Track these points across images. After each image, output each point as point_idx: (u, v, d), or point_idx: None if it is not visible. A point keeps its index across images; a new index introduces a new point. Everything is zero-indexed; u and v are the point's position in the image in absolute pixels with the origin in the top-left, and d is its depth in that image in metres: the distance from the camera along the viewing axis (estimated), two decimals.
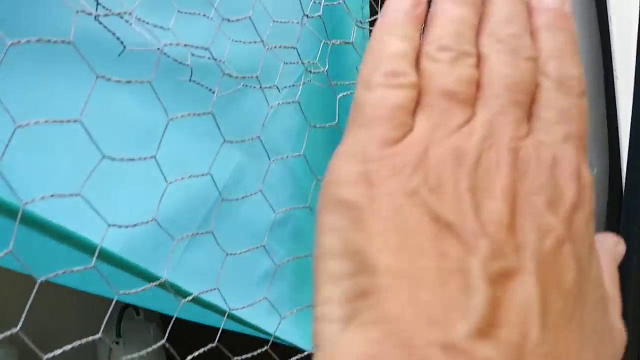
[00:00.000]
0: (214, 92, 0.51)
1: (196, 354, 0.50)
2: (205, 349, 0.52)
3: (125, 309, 1.44)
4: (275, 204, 0.73)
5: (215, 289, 0.49)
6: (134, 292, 0.40)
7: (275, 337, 0.57)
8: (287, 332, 0.61)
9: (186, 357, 0.58)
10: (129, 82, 0.36)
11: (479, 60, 0.23)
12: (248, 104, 0.72)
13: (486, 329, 0.19)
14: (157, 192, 0.60)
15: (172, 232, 0.61)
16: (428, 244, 0.20)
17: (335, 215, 0.22)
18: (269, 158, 0.52)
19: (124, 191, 0.53)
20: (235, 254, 0.50)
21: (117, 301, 0.44)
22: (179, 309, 0.46)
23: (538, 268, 0.20)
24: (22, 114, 0.33)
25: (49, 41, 0.33)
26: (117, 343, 1.34)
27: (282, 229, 0.73)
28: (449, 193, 0.20)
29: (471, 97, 0.22)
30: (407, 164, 0.21)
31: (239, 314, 0.53)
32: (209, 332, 0.58)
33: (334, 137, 0.70)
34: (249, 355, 0.53)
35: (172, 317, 0.67)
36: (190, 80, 0.47)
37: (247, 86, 0.52)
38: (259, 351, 0.54)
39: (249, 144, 0.69)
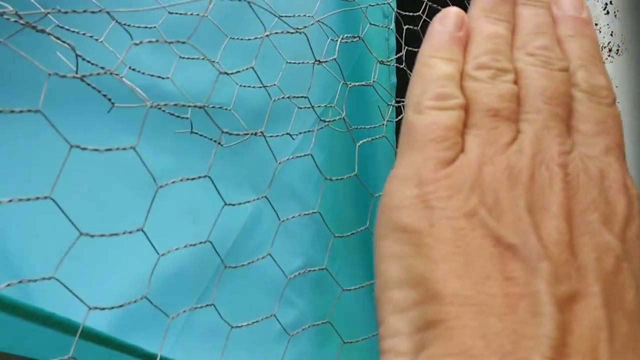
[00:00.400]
0: (219, 143, 0.47)
1: None
2: None
3: None
4: (295, 250, 0.68)
5: None
6: None
7: None
8: None
9: None
10: (108, 149, 0.31)
11: (516, 74, 0.24)
12: (262, 148, 0.67)
13: (557, 357, 0.18)
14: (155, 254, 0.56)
15: (182, 287, 0.57)
16: (492, 268, 0.20)
17: (395, 241, 0.21)
18: (279, 218, 0.47)
19: (121, 252, 0.49)
20: (240, 326, 0.45)
21: None
22: None
23: (602, 289, 0.19)
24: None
25: (12, 111, 0.29)
26: None
27: (302, 278, 0.68)
28: (508, 213, 0.20)
29: (514, 112, 0.23)
30: (463, 184, 0.21)
31: None
32: None
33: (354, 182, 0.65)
34: None
35: None
36: (191, 132, 0.43)
37: (255, 134, 0.48)
38: None
39: (265, 189, 0.65)
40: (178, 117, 0.42)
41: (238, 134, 0.41)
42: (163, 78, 0.44)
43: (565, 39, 0.25)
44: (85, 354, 0.37)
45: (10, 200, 0.29)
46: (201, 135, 0.45)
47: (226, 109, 0.47)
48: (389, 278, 0.21)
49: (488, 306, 0.19)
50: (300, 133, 0.53)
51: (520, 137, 0.22)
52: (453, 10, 0.25)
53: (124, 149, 0.33)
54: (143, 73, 0.43)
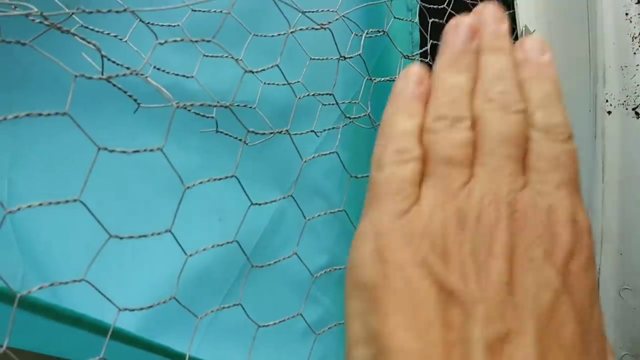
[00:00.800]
0: (245, 142, 0.47)
1: None
2: None
3: None
4: (320, 248, 0.68)
5: None
6: None
7: None
8: None
9: None
10: (136, 151, 0.31)
11: (474, 121, 0.24)
12: (286, 145, 0.67)
13: None
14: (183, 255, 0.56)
15: (207, 286, 0.57)
16: (435, 315, 0.20)
17: (356, 299, 0.22)
18: (304, 216, 0.47)
19: (149, 253, 0.49)
20: (267, 325, 0.45)
21: None
22: None
23: (536, 326, 0.20)
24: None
25: (39, 114, 0.29)
26: None
27: (327, 276, 0.68)
28: (454, 258, 0.21)
29: (468, 158, 0.23)
30: (414, 234, 0.22)
31: None
32: None
33: None
34: None
35: None
36: (217, 131, 0.42)
37: (280, 132, 0.47)
38: None
39: (289, 186, 0.64)
40: (204, 116, 0.41)
41: (264, 133, 0.41)
42: (187, 77, 0.44)
43: (527, 81, 0.25)
44: (115, 355, 0.37)
45: (41, 204, 0.29)
46: (226, 134, 0.45)
47: (251, 107, 0.46)
48: (352, 336, 0.22)
49: (429, 355, 0.19)
50: (325, 130, 0.52)
51: (472, 181, 0.23)
52: (414, 68, 0.26)
53: (151, 150, 0.32)
54: (168, 72, 0.43)
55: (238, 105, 0.48)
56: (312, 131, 0.48)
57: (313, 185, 0.65)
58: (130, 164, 0.55)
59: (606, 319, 0.71)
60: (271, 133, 0.41)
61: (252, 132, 0.41)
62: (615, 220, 0.68)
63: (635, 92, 0.64)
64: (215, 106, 0.38)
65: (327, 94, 0.45)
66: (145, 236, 0.34)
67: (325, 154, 0.47)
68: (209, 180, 0.38)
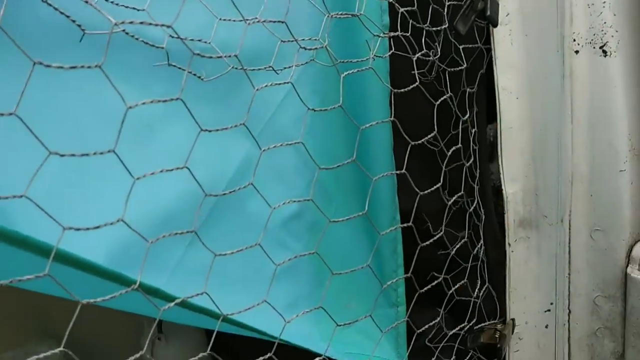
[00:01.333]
0: (199, 77, 0.47)
1: None
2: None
3: None
4: (291, 195, 0.68)
5: (202, 293, 0.45)
6: (100, 300, 0.36)
7: (281, 340, 0.52)
8: (296, 334, 0.56)
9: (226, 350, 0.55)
10: (73, 67, 0.31)
11: None
12: (251, 93, 0.67)
13: None
14: (151, 190, 0.56)
15: (175, 228, 0.58)
16: None
17: None
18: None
19: (111, 190, 0.49)
20: (224, 254, 0.46)
21: None
22: (160, 313, 0.41)
23: None
24: None
25: None
26: (159, 338, 1.35)
27: (298, 222, 0.68)
28: None
29: None
30: None
31: (236, 317, 0.49)
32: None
33: (346, 120, 0.64)
34: None
35: None
36: (169, 64, 0.43)
37: (235, 68, 0.47)
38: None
39: (257, 134, 0.65)
40: (152, 46, 0.41)
41: (210, 57, 0.41)
42: (139, 10, 0.43)
43: None
44: (70, 282, 0.38)
45: None
46: (179, 67, 0.45)
47: (205, 42, 0.46)
48: None
49: None
50: (285, 68, 0.52)
51: None
52: None
53: (89, 67, 0.32)
54: (117, 4, 0.43)
55: (192, 40, 0.48)
56: (270, 67, 0.48)
57: (282, 133, 0.65)
58: (91, 111, 0.55)
59: (578, 261, 0.72)
60: (228, 55, 0.41)
61: (199, 55, 0.41)
62: (585, 162, 0.68)
63: (602, 30, 0.64)
64: (168, 38, 0.38)
65: (279, 21, 0.44)
66: (87, 155, 0.34)
67: (279, 84, 0.47)
68: (152, 102, 0.38)
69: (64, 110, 0.47)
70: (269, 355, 0.47)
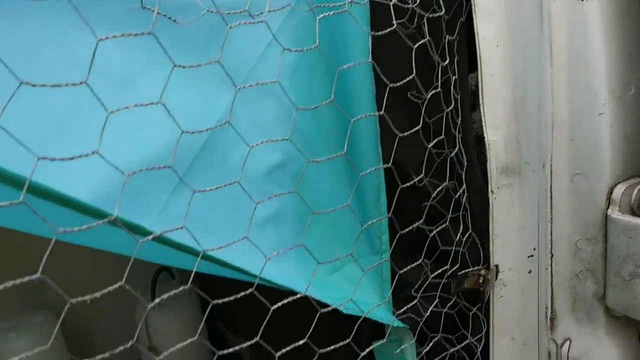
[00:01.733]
0: (173, 20, 0.47)
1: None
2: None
3: (159, 273, 1.45)
4: (274, 146, 0.68)
5: (181, 228, 0.45)
6: (77, 230, 0.37)
7: (261, 279, 0.53)
8: (278, 274, 0.57)
9: (221, 317, 0.55)
10: None
11: None
12: (237, 42, 0.67)
13: None
14: (141, 133, 0.57)
15: (158, 175, 0.58)
16: None
17: None
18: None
19: (89, 132, 0.49)
20: (204, 191, 0.46)
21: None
22: (139, 246, 0.42)
23: None
24: None
25: None
26: (153, 307, 1.35)
27: (282, 172, 0.69)
28: None
29: None
30: None
31: (217, 254, 0.49)
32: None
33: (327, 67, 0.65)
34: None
35: (207, 281, 0.66)
36: (142, 7, 0.43)
37: (210, 11, 0.47)
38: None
39: (240, 83, 0.65)
40: None
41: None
42: None
43: None
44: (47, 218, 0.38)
45: None
46: (154, 10, 0.45)
47: None
48: None
49: None
50: (262, 13, 0.52)
51: None
52: None
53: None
54: None
55: None
56: (246, 11, 0.48)
57: (264, 85, 0.65)
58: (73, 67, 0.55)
59: (560, 205, 0.73)
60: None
61: None
62: (565, 106, 0.69)
63: None
64: None
65: None
66: (58, 85, 0.34)
67: (255, 22, 0.47)
68: (122, 35, 0.38)
69: (40, 55, 0.47)
70: (250, 290, 0.48)
